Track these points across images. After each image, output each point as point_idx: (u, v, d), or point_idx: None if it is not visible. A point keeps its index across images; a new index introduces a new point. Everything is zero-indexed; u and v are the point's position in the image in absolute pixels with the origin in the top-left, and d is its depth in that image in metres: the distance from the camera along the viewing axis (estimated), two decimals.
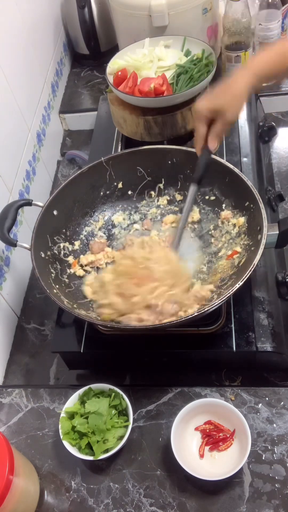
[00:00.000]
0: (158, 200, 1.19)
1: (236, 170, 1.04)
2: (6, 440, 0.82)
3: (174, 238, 1.07)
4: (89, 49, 1.80)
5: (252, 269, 0.87)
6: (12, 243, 1.01)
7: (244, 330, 0.99)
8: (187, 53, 1.29)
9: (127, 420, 0.93)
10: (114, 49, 1.78)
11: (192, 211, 1.13)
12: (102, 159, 1.13)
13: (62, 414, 0.95)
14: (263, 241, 0.91)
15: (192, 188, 1.04)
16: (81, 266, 1.10)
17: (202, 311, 0.87)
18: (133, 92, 1.19)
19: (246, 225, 1.03)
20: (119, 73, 1.24)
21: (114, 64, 1.28)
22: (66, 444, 0.92)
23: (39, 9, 1.56)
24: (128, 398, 0.95)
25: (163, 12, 1.35)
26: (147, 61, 1.27)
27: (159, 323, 0.92)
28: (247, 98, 0.95)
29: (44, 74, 1.59)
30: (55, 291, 0.97)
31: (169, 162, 1.13)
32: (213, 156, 1.02)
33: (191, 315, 0.87)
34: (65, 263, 1.09)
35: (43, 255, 1.02)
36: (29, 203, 1.08)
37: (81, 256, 1.11)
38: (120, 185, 1.17)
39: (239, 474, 0.89)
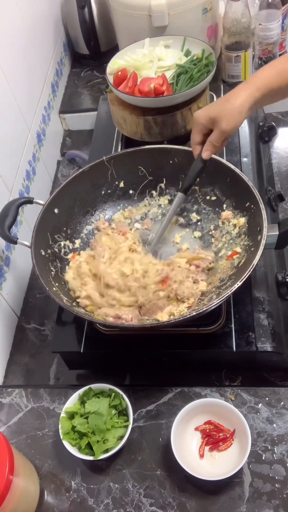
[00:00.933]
0: (159, 200, 1.19)
1: (237, 170, 1.04)
2: (6, 440, 0.82)
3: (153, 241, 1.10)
4: (89, 49, 1.80)
5: (252, 270, 0.87)
6: (12, 241, 1.02)
7: (244, 330, 0.99)
8: (187, 53, 1.29)
9: (127, 420, 0.93)
10: (114, 49, 1.78)
11: (172, 219, 1.12)
12: (104, 158, 1.13)
13: (62, 414, 0.95)
14: (263, 242, 0.91)
15: (178, 196, 1.05)
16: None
17: (201, 311, 0.87)
18: (133, 92, 1.19)
19: (247, 225, 1.03)
20: (119, 73, 1.24)
21: (114, 64, 1.28)
22: (66, 444, 0.92)
23: (39, 9, 1.56)
24: (128, 398, 0.95)
25: (163, 12, 1.35)
26: (147, 61, 1.27)
27: (157, 322, 0.92)
28: (248, 112, 0.92)
29: (44, 74, 1.59)
30: (54, 289, 0.97)
31: (171, 162, 1.14)
32: (215, 157, 1.02)
33: (189, 314, 0.87)
34: (65, 261, 1.09)
35: (43, 253, 1.02)
36: (30, 201, 1.08)
37: (81, 252, 1.11)
38: (121, 184, 1.17)
39: (239, 474, 0.89)
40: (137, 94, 1.19)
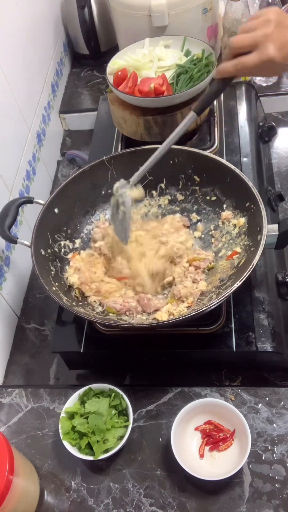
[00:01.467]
0: (159, 200, 1.19)
1: (237, 170, 1.03)
2: (6, 440, 0.82)
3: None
4: (89, 49, 1.80)
5: (251, 270, 0.87)
6: (12, 240, 1.02)
7: (244, 330, 0.99)
8: (187, 53, 1.29)
9: (127, 420, 0.93)
10: (114, 49, 1.78)
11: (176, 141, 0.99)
12: (104, 158, 1.13)
13: (62, 414, 0.95)
14: (263, 242, 0.91)
15: (191, 115, 0.92)
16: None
17: (200, 310, 0.87)
18: (133, 92, 1.19)
19: (247, 225, 1.03)
20: (119, 73, 1.23)
21: (114, 64, 1.28)
22: (66, 444, 0.92)
23: (39, 9, 1.56)
24: (128, 398, 0.95)
25: (163, 12, 1.35)
26: (147, 61, 1.27)
27: (157, 322, 0.92)
28: None
29: (44, 74, 1.59)
30: (54, 288, 0.97)
31: (171, 162, 1.13)
32: (215, 157, 1.02)
33: (188, 314, 0.87)
34: (65, 261, 1.09)
35: (43, 253, 1.02)
36: (30, 200, 1.08)
37: (81, 251, 1.11)
38: None
39: (239, 474, 0.89)
40: (137, 94, 1.19)
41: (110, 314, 0.99)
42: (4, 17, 1.28)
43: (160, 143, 1.17)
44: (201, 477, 0.86)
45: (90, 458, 0.90)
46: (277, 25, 0.79)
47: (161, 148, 0.97)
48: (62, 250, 1.10)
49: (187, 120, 0.93)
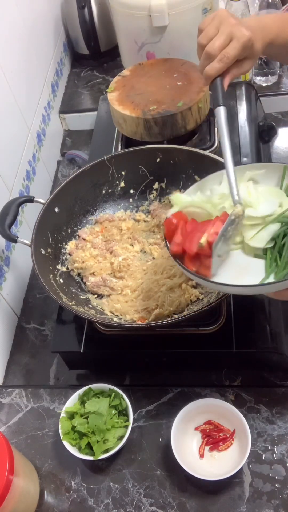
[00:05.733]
0: (160, 200, 1.19)
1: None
2: (6, 440, 0.82)
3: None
4: (89, 49, 1.80)
5: None
6: (13, 239, 1.02)
7: (244, 330, 0.99)
8: None
9: (127, 420, 0.93)
10: (114, 49, 1.78)
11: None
12: (105, 157, 1.13)
13: (62, 414, 0.95)
14: None
15: (222, 111, 0.84)
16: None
17: (200, 310, 0.87)
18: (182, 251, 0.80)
19: None
20: (174, 220, 0.82)
21: (177, 202, 0.85)
22: (66, 444, 0.92)
23: (39, 9, 1.56)
24: (128, 398, 0.95)
25: (163, 12, 1.35)
26: (221, 207, 0.83)
27: (156, 322, 0.92)
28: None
29: (44, 74, 1.59)
30: (54, 288, 0.97)
31: (171, 161, 1.14)
32: (215, 157, 1.02)
33: (188, 314, 0.87)
34: (66, 260, 1.09)
35: (43, 252, 1.02)
36: (30, 200, 1.08)
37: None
38: (122, 184, 1.17)
39: (239, 474, 0.89)
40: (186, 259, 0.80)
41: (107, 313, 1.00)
42: (4, 17, 1.28)
43: (160, 143, 1.18)
44: (201, 477, 0.86)
45: (90, 458, 0.90)
46: (231, 17, 0.85)
47: (226, 153, 0.82)
48: (62, 249, 1.10)
49: (224, 116, 0.86)
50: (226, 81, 0.86)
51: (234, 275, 0.78)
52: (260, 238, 0.79)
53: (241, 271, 0.79)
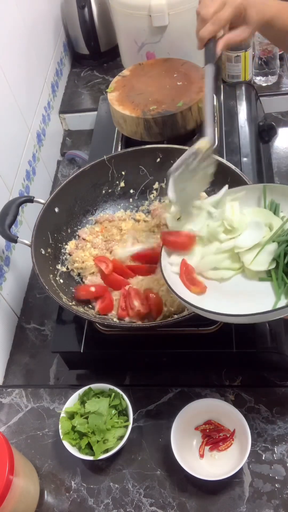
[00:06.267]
0: (160, 200, 1.19)
1: (237, 170, 1.03)
2: (6, 440, 0.82)
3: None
4: (89, 49, 1.80)
5: None
6: (13, 239, 1.02)
7: (244, 330, 0.99)
8: (275, 209, 0.84)
9: (127, 420, 0.93)
10: (114, 49, 1.78)
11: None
12: (105, 157, 1.13)
13: (62, 414, 0.95)
14: None
15: (210, 69, 0.87)
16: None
17: None
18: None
19: None
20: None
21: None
22: (66, 444, 0.92)
23: (39, 9, 1.56)
24: (128, 398, 0.95)
25: (163, 12, 1.35)
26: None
27: (156, 322, 0.92)
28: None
29: (44, 74, 1.59)
30: (54, 288, 0.97)
31: (172, 161, 1.13)
32: (215, 157, 1.02)
33: (188, 314, 0.87)
34: (66, 260, 1.09)
35: (43, 252, 1.02)
36: (30, 200, 1.08)
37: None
38: (122, 184, 1.17)
39: (239, 474, 0.89)
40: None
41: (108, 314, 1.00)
42: (4, 17, 1.28)
43: (160, 143, 1.18)
44: (201, 477, 0.86)
45: (90, 458, 0.90)
46: None
47: (207, 105, 0.89)
48: (62, 249, 1.10)
49: (211, 73, 0.89)
50: (220, 44, 0.89)
51: (245, 304, 0.76)
52: (261, 261, 0.80)
53: (249, 297, 0.79)
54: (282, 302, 0.76)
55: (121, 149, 1.33)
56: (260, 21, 0.90)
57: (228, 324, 0.99)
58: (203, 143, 0.81)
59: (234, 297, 0.80)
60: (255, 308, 0.72)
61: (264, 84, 1.60)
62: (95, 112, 1.55)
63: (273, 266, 0.79)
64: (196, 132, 1.30)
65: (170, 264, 0.85)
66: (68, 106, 1.73)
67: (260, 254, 0.79)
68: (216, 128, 1.20)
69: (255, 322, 0.83)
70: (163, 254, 0.86)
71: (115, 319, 0.99)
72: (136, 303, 0.97)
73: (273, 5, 0.93)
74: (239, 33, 0.90)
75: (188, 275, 0.82)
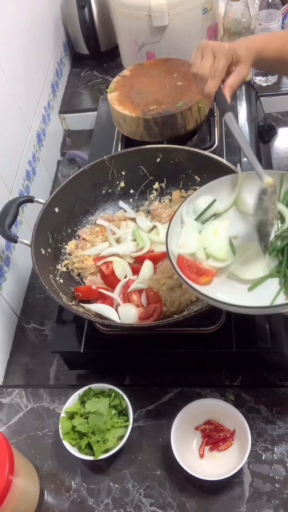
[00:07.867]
0: (160, 200, 1.19)
1: (238, 171, 1.03)
2: (6, 440, 0.82)
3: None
4: (89, 49, 1.80)
5: None
6: (13, 239, 1.02)
7: (244, 330, 0.99)
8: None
9: (127, 420, 0.93)
10: (114, 49, 1.78)
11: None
12: (105, 157, 1.13)
13: (62, 414, 0.95)
14: None
15: (231, 116, 0.88)
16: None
17: (200, 310, 0.87)
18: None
19: None
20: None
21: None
22: (66, 444, 0.92)
23: (39, 9, 1.56)
24: (128, 398, 0.95)
25: (163, 12, 1.35)
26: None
27: (156, 322, 0.92)
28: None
29: (44, 74, 1.59)
30: (54, 288, 0.97)
31: (172, 161, 1.14)
32: (215, 157, 1.02)
33: (188, 314, 0.87)
34: (65, 260, 1.09)
35: (43, 252, 1.03)
36: (30, 200, 1.08)
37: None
38: (122, 184, 1.18)
39: (239, 474, 0.89)
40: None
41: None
42: (4, 18, 1.28)
43: (160, 143, 1.18)
44: (201, 477, 0.86)
45: (90, 458, 0.90)
46: (212, 42, 0.93)
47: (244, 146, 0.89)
48: (62, 249, 1.10)
49: (233, 120, 0.89)
50: (227, 92, 0.90)
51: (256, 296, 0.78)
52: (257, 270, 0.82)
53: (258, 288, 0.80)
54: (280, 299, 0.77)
55: (121, 149, 1.33)
56: (251, 56, 0.93)
57: (228, 324, 0.99)
58: (268, 180, 0.83)
59: (245, 286, 0.80)
60: (267, 299, 0.75)
61: (264, 84, 1.60)
62: (95, 112, 1.55)
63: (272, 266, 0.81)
64: (196, 132, 1.30)
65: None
66: (68, 106, 1.73)
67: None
68: (217, 129, 1.20)
69: (269, 314, 0.85)
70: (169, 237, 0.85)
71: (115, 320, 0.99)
72: (135, 297, 0.98)
73: (259, 39, 0.96)
74: (238, 74, 0.92)
75: (192, 268, 0.82)
